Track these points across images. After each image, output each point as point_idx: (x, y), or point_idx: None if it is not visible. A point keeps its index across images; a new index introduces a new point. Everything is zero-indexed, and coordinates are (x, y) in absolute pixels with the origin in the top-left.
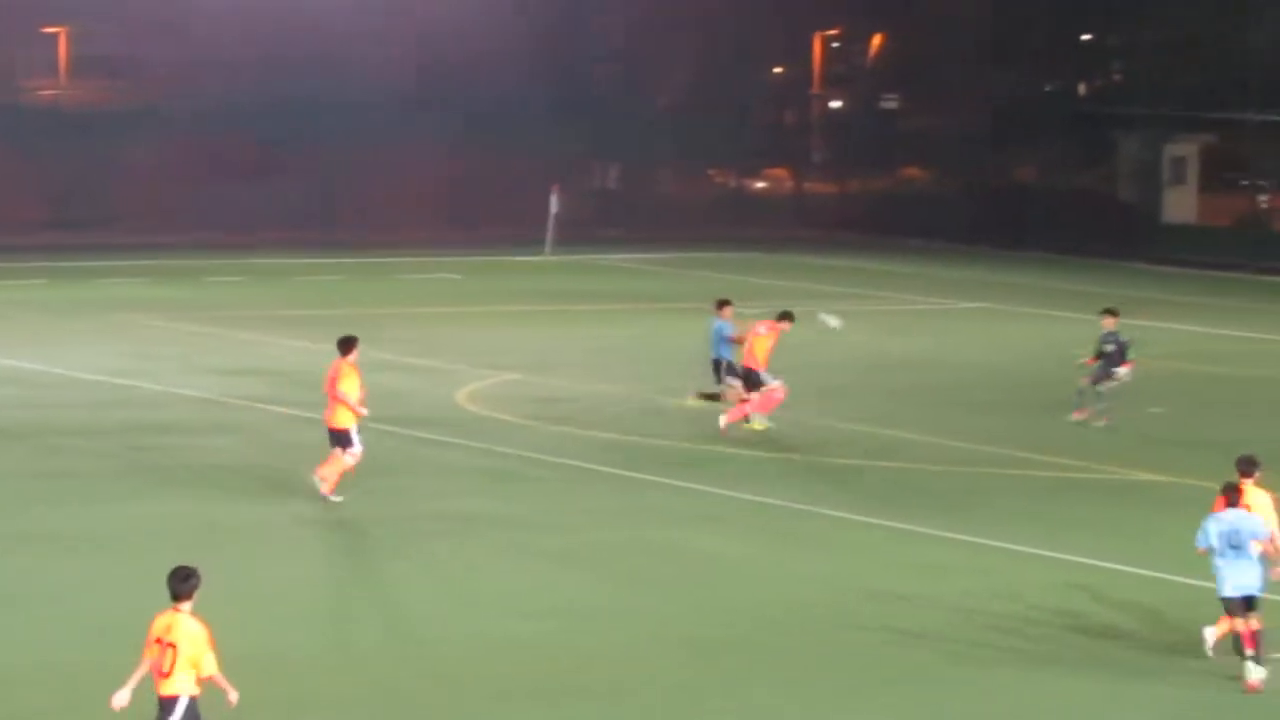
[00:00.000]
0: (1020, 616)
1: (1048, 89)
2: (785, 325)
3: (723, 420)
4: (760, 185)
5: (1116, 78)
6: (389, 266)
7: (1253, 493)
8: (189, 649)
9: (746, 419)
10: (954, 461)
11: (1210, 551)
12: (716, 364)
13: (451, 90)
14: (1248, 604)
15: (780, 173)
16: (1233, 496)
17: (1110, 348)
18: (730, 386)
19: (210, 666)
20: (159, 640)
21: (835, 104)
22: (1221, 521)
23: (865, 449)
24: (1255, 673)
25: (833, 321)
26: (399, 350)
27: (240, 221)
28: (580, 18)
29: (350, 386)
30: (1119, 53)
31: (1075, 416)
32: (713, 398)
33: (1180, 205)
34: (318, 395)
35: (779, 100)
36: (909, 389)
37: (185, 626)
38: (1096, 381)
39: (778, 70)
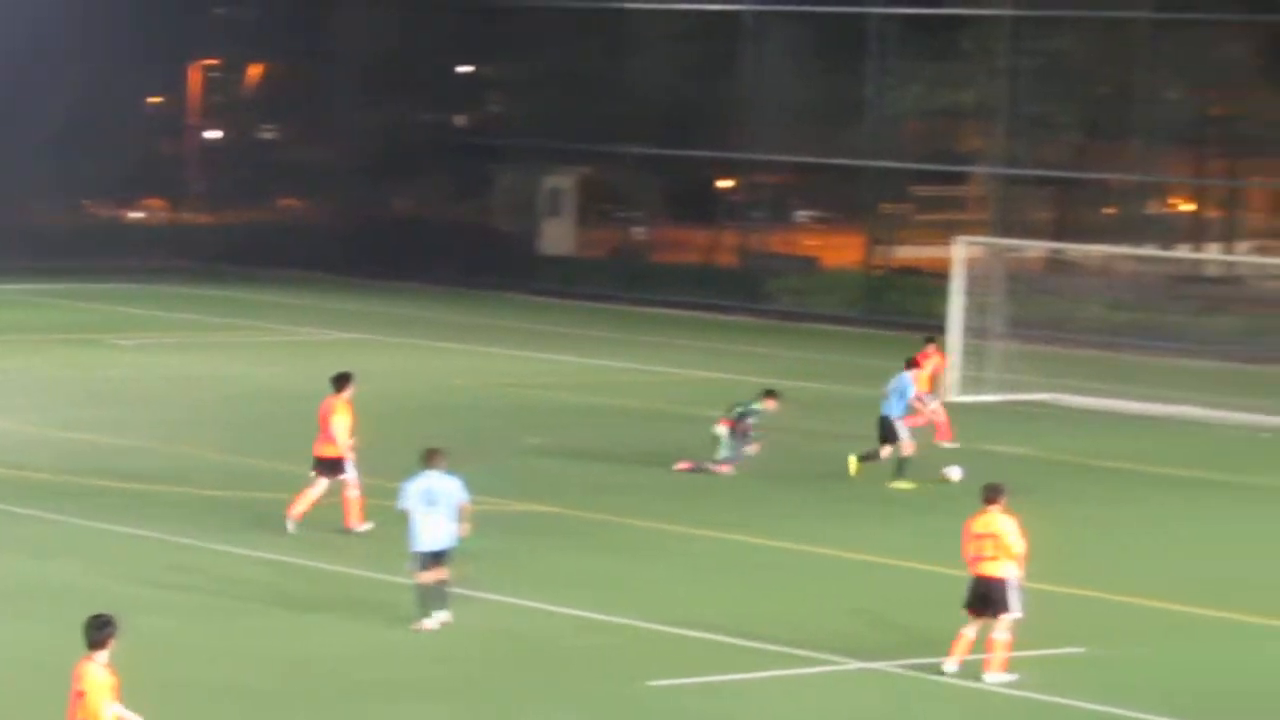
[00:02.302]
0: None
1: (426, 120)
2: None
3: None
4: (136, 215)
5: (494, 109)
6: None
7: (999, 518)
8: (92, 697)
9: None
10: (334, 491)
11: (410, 510)
12: (885, 421)
13: None
14: (438, 558)
15: (157, 203)
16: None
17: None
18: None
19: (105, 717)
20: (75, 688)
21: (213, 134)
22: (418, 482)
23: (241, 480)
24: (439, 617)
25: (954, 474)
26: None
27: None
28: None
29: (341, 423)
30: (497, 85)
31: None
32: (871, 458)
33: (558, 237)
34: None
35: (155, 130)
36: (283, 418)
37: (92, 675)
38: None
39: (154, 100)
